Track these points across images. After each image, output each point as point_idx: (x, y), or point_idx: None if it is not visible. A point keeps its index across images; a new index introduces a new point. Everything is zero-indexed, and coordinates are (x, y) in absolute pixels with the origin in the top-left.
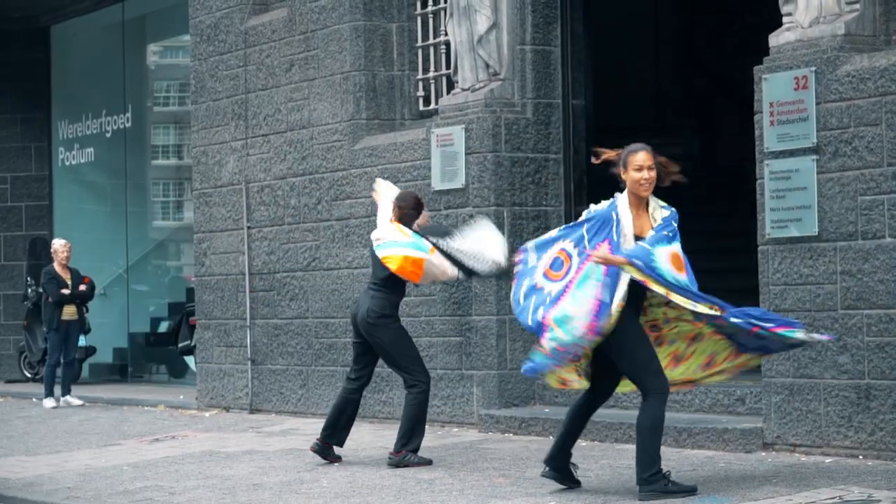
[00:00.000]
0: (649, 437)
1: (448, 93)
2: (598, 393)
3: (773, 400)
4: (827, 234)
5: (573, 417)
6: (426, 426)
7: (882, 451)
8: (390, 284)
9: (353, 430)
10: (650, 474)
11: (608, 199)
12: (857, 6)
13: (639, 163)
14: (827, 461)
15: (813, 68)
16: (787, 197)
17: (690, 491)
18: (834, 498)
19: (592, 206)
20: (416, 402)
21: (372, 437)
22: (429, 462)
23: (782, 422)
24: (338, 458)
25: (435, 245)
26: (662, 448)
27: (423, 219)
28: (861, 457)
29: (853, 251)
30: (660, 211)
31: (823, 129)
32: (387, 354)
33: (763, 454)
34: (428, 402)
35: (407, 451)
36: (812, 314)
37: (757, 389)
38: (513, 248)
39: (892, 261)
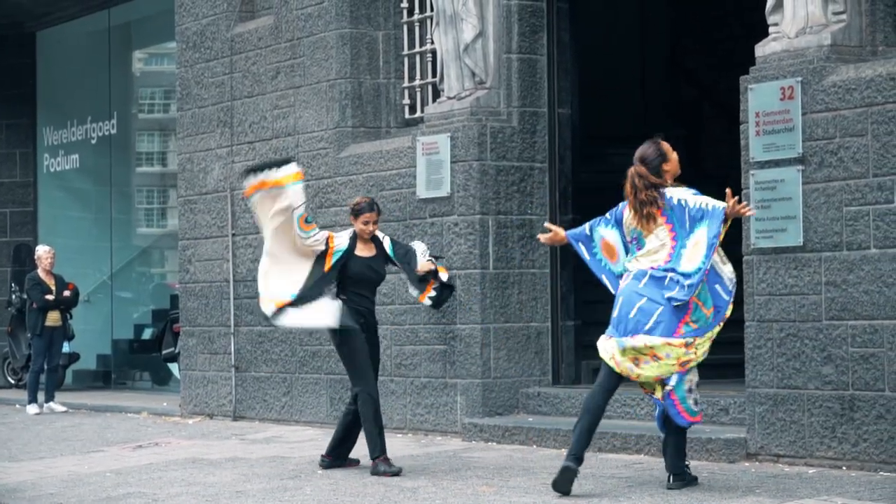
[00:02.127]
0: None
1: (434, 101)
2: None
3: (756, 410)
4: (812, 245)
5: (597, 415)
6: (411, 434)
7: (865, 462)
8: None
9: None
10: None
11: (593, 207)
12: (844, 17)
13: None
14: (810, 472)
15: (799, 79)
16: (773, 207)
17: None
18: None
19: None
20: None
21: (357, 444)
22: (398, 472)
23: (766, 432)
24: (356, 461)
25: None
26: (646, 458)
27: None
28: (844, 468)
29: (838, 262)
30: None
31: (809, 140)
32: (376, 354)
33: (746, 464)
34: None
35: (380, 459)
36: (796, 325)
37: (741, 399)
38: (498, 257)
39: (877, 272)
